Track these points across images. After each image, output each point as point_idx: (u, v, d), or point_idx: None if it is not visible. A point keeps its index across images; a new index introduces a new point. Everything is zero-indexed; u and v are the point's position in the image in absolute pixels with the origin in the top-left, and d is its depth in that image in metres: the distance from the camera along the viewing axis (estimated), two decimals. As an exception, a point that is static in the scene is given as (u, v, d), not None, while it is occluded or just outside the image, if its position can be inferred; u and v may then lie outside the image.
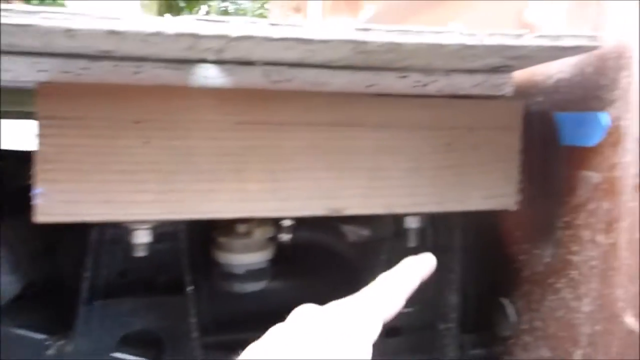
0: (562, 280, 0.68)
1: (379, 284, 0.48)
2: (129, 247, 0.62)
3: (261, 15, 8.30)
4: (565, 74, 0.67)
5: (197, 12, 8.44)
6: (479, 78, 0.67)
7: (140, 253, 0.62)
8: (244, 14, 8.56)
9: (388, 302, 0.47)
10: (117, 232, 0.62)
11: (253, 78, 0.59)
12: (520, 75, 0.75)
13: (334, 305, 0.45)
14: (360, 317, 0.44)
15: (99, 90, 0.54)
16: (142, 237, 0.61)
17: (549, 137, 0.69)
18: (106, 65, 0.55)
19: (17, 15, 0.40)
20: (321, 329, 0.41)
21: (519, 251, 0.77)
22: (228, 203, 0.57)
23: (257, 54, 0.55)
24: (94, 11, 0.43)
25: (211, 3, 8.37)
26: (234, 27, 0.46)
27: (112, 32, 0.43)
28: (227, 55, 0.55)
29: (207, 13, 8.51)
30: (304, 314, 0.44)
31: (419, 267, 0.52)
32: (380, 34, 0.49)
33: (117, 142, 0.54)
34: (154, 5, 7.16)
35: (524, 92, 0.74)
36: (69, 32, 0.43)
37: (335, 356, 0.39)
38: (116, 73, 0.55)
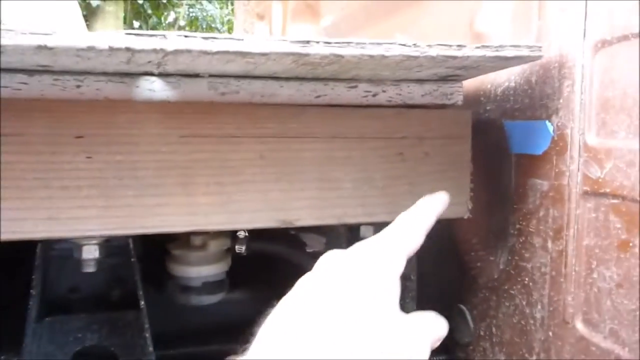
0: (516, 287, 0.69)
1: (398, 222, 0.50)
2: (78, 263, 0.61)
3: (230, 22, 8.30)
4: (513, 83, 0.68)
5: (165, 19, 8.41)
6: (428, 87, 0.67)
7: (89, 269, 0.61)
8: (212, 21, 8.56)
9: (409, 238, 0.49)
10: (66, 248, 0.61)
11: (199, 90, 0.59)
12: (471, 84, 0.75)
13: (359, 246, 0.46)
14: (384, 254, 0.46)
15: (38, 105, 0.53)
16: (90, 253, 0.60)
17: (500, 145, 0.70)
18: (46, 79, 0.54)
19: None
20: (348, 270, 0.43)
21: (476, 258, 0.77)
22: (175, 217, 0.57)
23: (201, 66, 0.55)
24: (24, 25, 0.43)
25: (179, 10, 8.35)
26: (170, 41, 0.46)
27: (42, 48, 0.43)
28: (172, 67, 0.55)
29: (175, 20, 8.49)
30: (330, 259, 0.45)
31: (434, 204, 0.54)
32: (320, 47, 0.49)
33: (59, 157, 0.54)
34: (120, 12, 7.11)
35: (474, 100, 0.75)
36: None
37: (365, 294, 0.41)
38: (57, 88, 0.54)
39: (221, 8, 8.53)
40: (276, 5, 2.03)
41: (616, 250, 0.55)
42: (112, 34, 0.44)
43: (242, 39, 0.47)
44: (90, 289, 0.66)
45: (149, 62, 0.51)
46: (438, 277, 0.84)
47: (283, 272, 0.83)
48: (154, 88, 0.58)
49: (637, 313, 0.52)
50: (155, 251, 0.73)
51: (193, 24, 8.96)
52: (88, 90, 0.56)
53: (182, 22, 8.90)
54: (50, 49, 0.43)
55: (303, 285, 0.44)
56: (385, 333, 0.40)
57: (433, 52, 0.53)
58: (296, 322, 0.40)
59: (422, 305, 0.78)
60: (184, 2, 8.11)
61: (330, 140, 0.62)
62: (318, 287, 0.43)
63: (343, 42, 0.50)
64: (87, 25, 7.15)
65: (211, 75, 0.59)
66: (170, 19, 8.77)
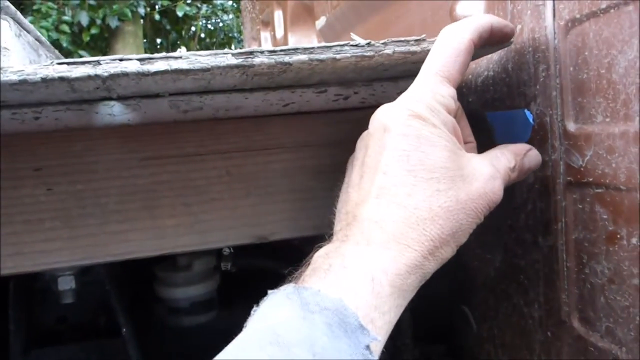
0: (513, 286, 0.65)
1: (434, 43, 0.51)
2: (57, 294, 0.61)
3: (244, 31, 8.31)
4: (492, 72, 0.65)
5: (186, 33, 8.52)
6: (403, 85, 0.64)
7: (68, 300, 0.60)
8: (230, 30, 8.63)
9: (441, 56, 0.50)
10: (43, 281, 0.61)
11: (161, 110, 0.58)
12: (452, 76, 0.72)
13: (403, 97, 0.50)
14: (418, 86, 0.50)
15: (-4, 141, 0.53)
16: (66, 284, 0.60)
17: (485, 137, 0.67)
18: (4, 114, 0.54)
19: None
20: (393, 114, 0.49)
21: (473, 257, 0.74)
22: (143, 242, 0.56)
23: (154, 87, 0.53)
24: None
25: (196, 23, 8.46)
26: (104, 66, 0.44)
27: (-26, 87, 0.42)
28: (126, 91, 0.54)
29: (194, 33, 8.59)
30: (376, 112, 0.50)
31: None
32: (265, 57, 0.48)
33: (19, 192, 0.53)
34: (139, 31, 7.23)
35: (457, 93, 0.71)
36: None
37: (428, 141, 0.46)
38: (16, 121, 0.54)
39: (237, 17, 8.60)
40: (277, 12, 2.03)
41: (605, 243, 0.51)
42: (43, 65, 0.43)
43: (180, 57, 0.46)
44: (76, 319, 0.65)
45: (97, 88, 0.50)
46: (439, 279, 0.81)
47: (275, 287, 0.81)
48: (114, 112, 0.57)
49: (631, 310, 0.48)
50: (144, 274, 0.72)
51: (212, 35, 9.07)
52: (47, 121, 0.55)
53: (202, 35, 9.02)
54: (-18, 86, 0.43)
55: (360, 143, 0.51)
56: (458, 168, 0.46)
57: (389, 49, 0.51)
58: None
59: (419, 307, 0.75)
60: (201, 14, 8.20)
61: (299, 149, 0.60)
62: (371, 139, 0.48)
63: (289, 50, 0.48)
64: (109, 46, 7.31)
65: (171, 94, 0.58)
66: (190, 33, 8.89)
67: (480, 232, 0.72)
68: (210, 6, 8.26)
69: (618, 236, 0.49)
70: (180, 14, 7.46)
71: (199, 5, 8.15)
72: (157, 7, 7.73)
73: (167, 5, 7.61)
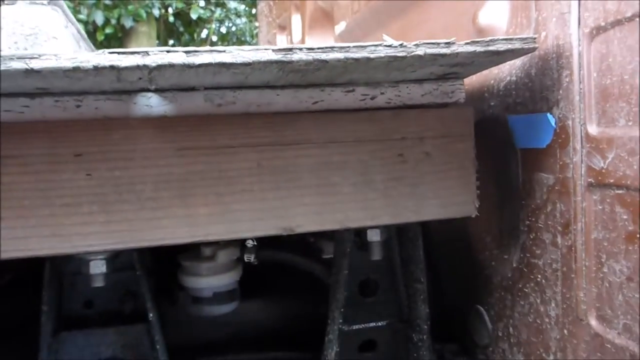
0: (530, 285, 0.67)
1: None
2: (87, 278, 0.63)
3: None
4: (514, 77, 0.67)
5: (198, 36, 8.57)
6: (428, 87, 0.66)
7: (99, 283, 0.63)
8: (242, 34, 8.67)
9: None
10: (75, 264, 0.63)
11: (196, 103, 0.60)
12: (475, 81, 0.74)
13: None
14: None
15: (39, 126, 0.55)
16: (98, 268, 0.62)
17: (505, 141, 0.69)
18: (47, 101, 0.56)
19: None
20: None
21: (490, 257, 0.75)
22: (175, 229, 0.58)
23: (193, 80, 0.56)
24: (11, 50, 0.44)
25: (209, 26, 8.51)
26: (152, 57, 0.47)
27: (30, 71, 0.44)
28: (165, 83, 0.56)
29: (207, 36, 8.64)
30: None
31: None
32: (303, 54, 0.50)
33: (59, 176, 0.55)
34: (153, 32, 7.28)
35: (479, 97, 0.73)
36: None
37: None
38: (58, 109, 0.56)
39: (250, 22, 8.66)
40: (295, 16, 2.05)
41: (624, 243, 0.53)
42: (95, 54, 0.46)
43: (224, 51, 0.48)
44: (103, 304, 0.67)
45: (140, 78, 0.53)
46: (454, 279, 0.83)
47: (295, 280, 0.83)
48: (151, 104, 0.59)
49: (649, 308, 0.50)
50: (168, 263, 0.74)
51: (224, 38, 9.12)
52: (87, 110, 0.58)
53: (214, 38, 9.08)
54: (38, 71, 0.45)
55: None
56: None
57: (420, 51, 0.53)
58: None
59: (435, 306, 0.77)
60: (214, 17, 8.26)
61: (326, 145, 0.62)
62: None
63: (326, 48, 0.50)
64: (122, 46, 7.37)
65: (206, 88, 0.60)
66: (203, 35, 8.95)
67: (496, 233, 0.74)
68: (224, 10, 8.31)
69: (638, 236, 0.51)
70: (194, 16, 7.51)
71: (212, 8, 8.21)
72: (171, 9, 7.79)
73: (182, 8, 7.67)
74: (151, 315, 0.62)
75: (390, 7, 1.11)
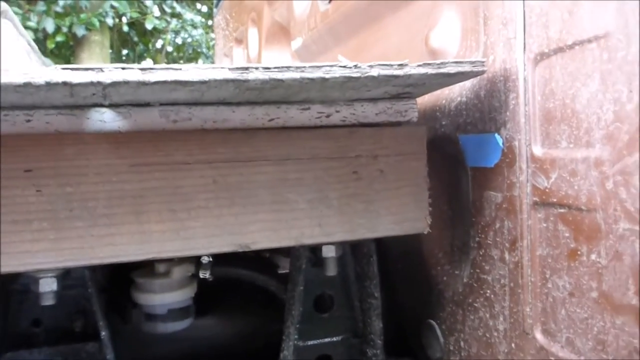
0: (479, 300, 0.69)
1: None
2: (36, 296, 0.61)
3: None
4: (465, 98, 0.69)
5: (153, 46, 8.48)
6: (382, 106, 0.68)
7: (49, 302, 0.61)
8: (198, 46, 8.63)
9: None
10: (23, 282, 0.61)
11: (151, 119, 0.59)
12: (428, 100, 0.77)
13: None
14: None
15: (-14, 141, 0.53)
16: (48, 286, 0.60)
17: (456, 159, 0.71)
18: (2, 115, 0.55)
19: None
20: None
21: (442, 273, 0.77)
22: (128, 246, 0.57)
23: (148, 96, 0.55)
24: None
25: (165, 36, 8.43)
26: (107, 74, 0.46)
27: (-22, 86, 0.43)
28: (119, 98, 0.56)
29: (162, 46, 8.55)
30: None
31: None
32: (259, 73, 0.50)
33: (9, 192, 0.54)
34: (106, 41, 7.15)
35: (431, 116, 0.76)
36: None
37: None
38: (7, 123, 0.55)
39: (207, 33, 8.61)
40: (252, 30, 2.06)
41: (566, 259, 0.55)
42: (48, 69, 0.45)
43: (181, 69, 0.48)
44: (52, 322, 0.65)
45: (94, 94, 0.52)
46: (409, 294, 0.85)
47: (250, 296, 0.83)
48: (105, 119, 0.58)
49: (589, 321, 0.52)
50: (121, 280, 0.73)
51: (180, 49, 9.03)
52: (38, 124, 0.56)
53: (169, 48, 8.97)
54: (-14, 86, 0.44)
55: None
56: None
57: (374, 72, 0.54)
58: None
59: (391, 321, 0.78)
60: (170, 28, 8.18)
61: (282, 162, 0.63)
62: None
63: (282, 67, 0.51)
64: (74, 54, 7.20)
65: (162, 104, 0.60)
66: (158, 45, 8.84)
67: (448, 249, 0.76)
68: (180, 21, 8.24)
69: (579, 253, 0.53)
70: (149, 27, 7.41)
71: (168, 19, 8.13)
72: (125, 18, 7.67)
73: (136, 18, 7.56)
74: (103, 333, 0.61)
75: (346, 25, 1.14)
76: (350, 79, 0.54)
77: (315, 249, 0.71)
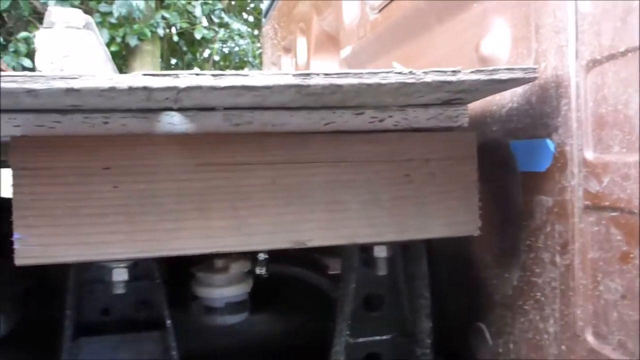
0: (529, 302, 0.70)
1: None
2: (108, 285, 0.66)
3: (261, 56, 8.55)
4: (516, 104, 0.70)
5: (200, 55, 8.69)
6: (433, 111, 0.70)
7: (119, 290, 0.65)
8: (245, 55, 8.81)
9: None
10: (97, 273, 0.66)
11: (215, 122, 0.64)
12: (478, 106, 0.78)
13: None
14: None
15: (69, 141, 0.59)
16: (120, 275, 0.65)
17: (507, 164, 0.72)
18: (77, 117, 0.60)
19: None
20: None
21: (491, 275, 0.79)
22: (193, 240, 0.61)
23: (215, 100, 0.59)
24: (53, 71, 0.48)
25: (212, 46, 8.64)
26: (182, 79, 0.50)
27: (70, 90, 0.48)
28: (188, 102, 0.60)
29: (210, 55, 8.76)
30: None
31: None
32: (320, 79, 0.53)
33: (88, 187, 0.59)
34: (157, 51, 7.38)
35: (481, 122, 0.77)
36: (31, 92, 0.48)
37: None
38: (86, 124, 0.60)
39: (253, 42, 8.79)
40: (301, 39, 2.11)
41: (618, 262, 0.56)
42: (130, 75, 0.49)
43: (248, 75, 0.52)
44: (119, 311, 0.70)
45: (167, 98, 0.56)
46: (456, 295, 0.86)
47: (303, 293, 0.86)
48: (174, 122, 0.63)
49: (641, 323, 0.53)
50: (181, 274, 0.77)
51: (227, 58, 9.24)
52: (114, 126, 0.61)
53: (216, 58, 9.20)
54: (77, 90, 0.49)
55: None
56: None
57: (428, 78, 0.57)
58: None
59: (439, 323, 0.79)
60: (218, 38, 8.38)
61: (336, 164, 0.66)
62: None
63: (342, 73, 0.54)
64: (126, 64, 7.47)
65: (225, 108, 0.64)
66: (205, 54, 9.08)
67: (497, 252, 0.77)
68: (228, 30, 8.44)
69: (631, 256, 0.54)
70: (198, 36, 7.62)
71: (216, 29, 8.33)
72: (175, 28, 7.90)
73: (186, 28, 7.79)
74: (168, 322, 0.65)
75: (394, 34, 1.16)
76: (405, 84, 0.56)
77: (367, 249, 0.73)
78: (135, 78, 0.49)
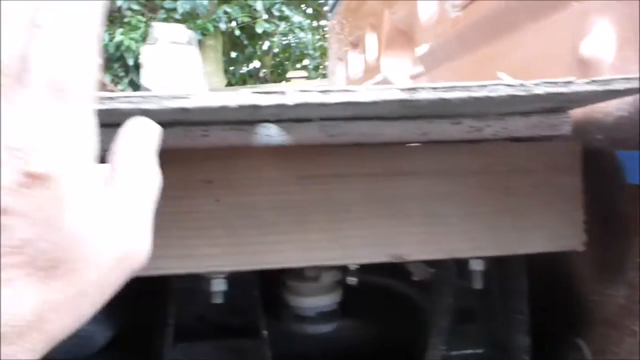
0: (638, 322, 0.66)
1: None
2: (206, 294, 0.67)
3: (322, 48, 8.61)
4: (625, 112, 0.66)
5: (260, 48, 8.79)
6: (534, 120, 0.67)
7: (218, 300, 0.67)
8: (305, 47, 8.84)
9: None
10: (196, 281, 0.68)
11: (311, 133, 0.63)
12: (578, 112, 0.74)
13: None
14: None
15: (173, 154, 0.60)
16: (219, 286, 0.66)
17: (613, 176, 0.68)
18: (178, 131, 0.61)
19: (102, 102, 0.47)
20: None
21: (593, 292, 0.75)
22: (293, 253, 0.61)
23: (314, 113, 0.59)
24: (165, 91, 0.49)
25: (273, 39, 8.72)
26: (290, 96, 0.50)
27: (183, 110, 0.49)
28: (286, 114, 0.60)
29: (269, 48, 8.84)
30: None
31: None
32: (427, 93, 0.52)
33: (192, 201, 0.60)
34: (219, 45, 7.52)
35: (583, 129, 0.73)
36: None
37: None
38: (187, 137, 0.61)
39: (313, 35, 8.82)
40: (370, 35, 2.09)
41: None
42: (239, 93, 0.50)
43: (355, 91, 0.51)
44: (214, 318, 0.71)
45: (269, 112, 0.57)
46: (551, 310, 0.83)
47: (389, 300, 0.85)
48: (271, 133, 0.63)
49: None
50: (270, 280, 0.78)
51: (286, 51, 9.33)
52: (213, 139, 0.62)
53: (275, 50, 9.30)
54: (189, 110, 0.49)
55: None
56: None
57: (539, 90, 0.54)
58: None
59: (537, 340, 0.77)
60: (278, 31, 8.47)
61: (434, 176, 0.64)
62: None
63: (449, 87, 0.53)
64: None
65: (321, 119, 0.64)
66: (265, 47, 9.21)
67: (601, 269, 0.73)
68: (288, 24, 8.50)
69: None
70: (259, 30, 7.72)
71: (276, 22, 8.41)
72: (235, 22, 8.04)
73: (247, 22, 7.90)
74: (264, 332, 0.66)
75: (478, 33, 1.12)
76: (515, 97, 0.54)
77: (462, 261, 0.71)
78: (245, 97, 0.50)
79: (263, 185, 0.61)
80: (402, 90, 0.52)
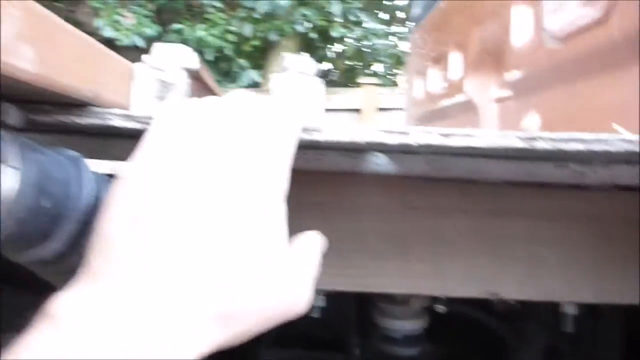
0: None
1: None
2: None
3: (395, 56, 8.59)
4: None
5: (330, 50, 8.88)
6: (641, 169, 0.67)
7: (314, 314, 0.70)
8: (378, 54, 8.85)
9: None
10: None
11: (417, 165, 0.66)
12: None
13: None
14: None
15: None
16: (316, 301, 0.69)
17: None
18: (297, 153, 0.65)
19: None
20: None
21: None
22: (393, 279, 0.64)
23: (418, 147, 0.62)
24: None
25: (347, 44, 8.78)
26: (413, 136, 0.53)
27: (313, 143, 0.53)
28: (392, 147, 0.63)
29: (343, 52, 8.90)
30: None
31: None
32: (546, 143, 0.54)
33: (301, 222, 0.63)
34: (294, 46, 7.65)
35: None
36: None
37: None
38: (301, 159, 0.65)
39: (385, 40, 8.84)
40: (454, 53, 2.08)
41: None
42: (368, 131, 0.53)
43: (474, 136, 0.53)
44: (302, 329, 0.75)
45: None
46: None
47: (475, 333, 0.86)
48: (379, 162, 0.66)
49: None
50: (361, 299, 0.81)
51: (359, 55, 9.36)
52: (325, 163, 0.66)
53: (347, 54, 9.36)
54: (319, 143, 0.53)
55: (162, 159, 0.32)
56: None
57: (659, 147, 0.54)
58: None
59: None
60: (353, 36, 8.52)
61: (537, 219, 0.65)
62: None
63: (567, 139, 0.54)
64: (264, 57, 7.84)
65: (429, 153, 0.66)
66: (337, 49, 9.28)
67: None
68: (363, 29, 8.54)
69: None
70: (334, 34, 7.79)
71: (351, 27, 8.46)
72: (313, 25, 8.14)
73: (324, 26, 7.99)
74: (357, 351, 0.69)
75: (579, 67, 1.11)
76: (632, 153, 0.55)
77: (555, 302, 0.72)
78: (374, 134, 0.53)
79: (371, 212, 0.64)
80: (522, 139, 0.53)
